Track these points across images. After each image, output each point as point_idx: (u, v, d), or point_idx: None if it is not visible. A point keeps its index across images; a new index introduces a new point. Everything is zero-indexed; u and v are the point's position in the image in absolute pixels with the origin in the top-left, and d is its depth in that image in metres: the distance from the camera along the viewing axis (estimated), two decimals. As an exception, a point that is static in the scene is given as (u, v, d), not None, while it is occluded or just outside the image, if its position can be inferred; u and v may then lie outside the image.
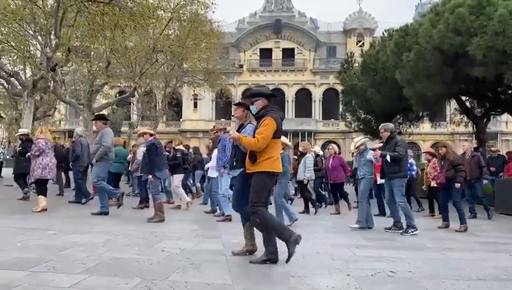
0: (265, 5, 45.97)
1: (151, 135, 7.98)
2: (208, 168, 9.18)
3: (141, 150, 9.74)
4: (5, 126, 39.16)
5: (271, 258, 4.38)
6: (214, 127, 8.48)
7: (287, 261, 4.23)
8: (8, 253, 4.43)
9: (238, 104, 4.97)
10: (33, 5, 15.48)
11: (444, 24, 12.38)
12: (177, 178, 10.01)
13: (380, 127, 7.64)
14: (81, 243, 5.07)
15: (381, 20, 41.82)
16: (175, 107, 39.59)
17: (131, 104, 33.76)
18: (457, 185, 7.79)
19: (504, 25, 11.11)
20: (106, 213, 7.86)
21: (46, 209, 7.86)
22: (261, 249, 4.57)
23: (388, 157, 6.99)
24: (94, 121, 8.54)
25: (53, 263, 4.03)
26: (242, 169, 4.60)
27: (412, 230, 6.88)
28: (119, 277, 3.67)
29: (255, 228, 4.69)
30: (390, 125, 7.82)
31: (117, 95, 30.87)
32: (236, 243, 5.46)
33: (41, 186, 8.12)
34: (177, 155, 10.26)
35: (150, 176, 7.52)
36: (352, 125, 21.86)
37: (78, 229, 6.24)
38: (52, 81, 17.75)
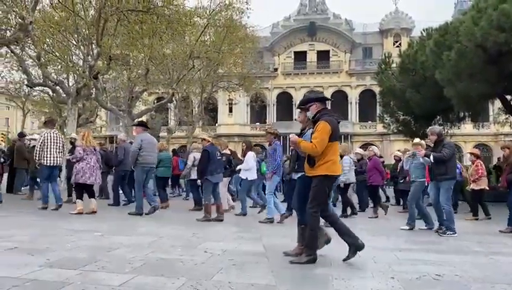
0: (299, 8, 45.91)
1: (208, 141, 8.39)
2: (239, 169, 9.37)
3: (192, 156, 10.08)
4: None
5: (311, 259, 4.46)
6: (268, 128, 8.62)
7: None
8: (60, 253, 4.63)
9: (300, 109, 5.03)
10: (76, 16, 16.11)
11: (486, 21, 11.97)
12: (225, 181, 10.21)
13: (427, 130, 7.75)
14: (127, 244, 5.24)
15: (418, 19, 40.92)
16: (211, 112, 40.14)
17: (169, 110, 34.51)
18: None
19: (552, 20, 10.66)
20: (140, 214, 8.27)
21: (82, 213, 8.15)
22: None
23: (431, 157, 6.99)
24: (134, 127, 8.81)
25: (102, 263, 4.18)
26: (303, 173, 4.73)
27: (451, 233, 6.92)
28: (165, 276, 3.77)
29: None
30: (438, 128, 7.92)
31: (155, 101, 31.58)
32: (276, 245, 5.50)
33: (78, 189, 8.53)
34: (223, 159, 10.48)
35: (199, 181, 8.00)
36: (391, 127, 21.45)
37: (123, 230, 6.45)
38: (94, 89, 18.39)
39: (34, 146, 10.24)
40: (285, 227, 7.50)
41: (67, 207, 9.04)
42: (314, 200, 4.50)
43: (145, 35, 16.97)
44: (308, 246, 4.52)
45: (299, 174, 4.82)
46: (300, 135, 4.85)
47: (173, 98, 24.49)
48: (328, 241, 4.71)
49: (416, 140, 8.18)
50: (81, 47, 18.05)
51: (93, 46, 16.54)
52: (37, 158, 8.70)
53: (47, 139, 8.69)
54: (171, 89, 22.49)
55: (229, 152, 11.25)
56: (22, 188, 12.93)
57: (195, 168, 10.04)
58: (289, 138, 4.61)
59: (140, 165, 8.44)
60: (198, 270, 4.06)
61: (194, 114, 31.45)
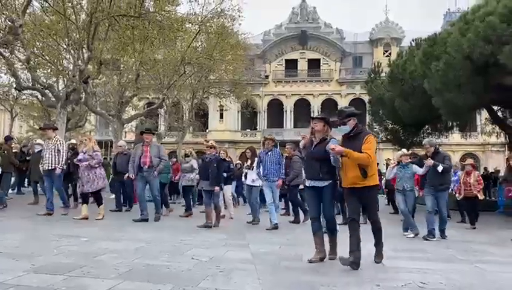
0: (291, 17, 46.20)
1: (215, 149, 8.52)
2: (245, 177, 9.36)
3: (193, 163, 10.26)
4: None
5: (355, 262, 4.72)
6: (268, 137, 8.67)
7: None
8: (46, 258, 4.60)
9: (319, 119, 5.16)
10: (67, 20, 16.04)
11: (474, 33, 12.15)
12: (229, 189, 10.23)
13: (424, 142, 8.20)
14: (114, 250, 5.21)
15: (408, 29, 41.39)
16: (201, 118, 40.07)
17: (159, 115, 34.37)
18: None
19: (537, 33, 10.85)
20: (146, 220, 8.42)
21: (87, 218, 8.19)
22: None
23: (440, 168, 7.44)
24: (146, 134, 8.84)
25: (88, 269, 4.16)
26: (331, 181, 4.94)
27: (446, 236, 7.68)
28: (151, 282, 3.76)
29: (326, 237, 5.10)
30: (434, 140, 8.59)
31: (145, 106, 31.49)
32: (264, 252, 5.52)
33: (87, 195, 8.52)
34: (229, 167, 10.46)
35: (218, 188, 8.09)
36: (380, 136, 21.61)
37: (111, 236, 6.41)
38: (84, 93, 18.29)
39: (39, 151, 10.21)
40: (274, 234, 7.51)
41: (59, 213, 8.96)
42: (374, 208, 5.17)
43: (137, 41, 16.94)
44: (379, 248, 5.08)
45: (326, 183, 4.95)
46: (318, 144, 4.99)
47: (163, 104, 24.46)
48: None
49: (403, 151, 8.47)
50: (72, 51, 17.94)
51: (84, 50, 16.46)
52: (54, 163, 8.73)
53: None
54: (162, 95, 22.46)
55: (229, 159, 11.28)
56: (9, 192, 12.77)
57: (190, 175, 10.08)
58: (329, 147, 4.73)
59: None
60: (185, 276, 4.05)
61: (185, 120, 31.40)
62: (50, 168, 8.79)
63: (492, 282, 4.41)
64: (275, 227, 8.02)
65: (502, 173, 18.74)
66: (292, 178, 9.01)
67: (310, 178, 5.08)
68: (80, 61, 16.74)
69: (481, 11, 12.48)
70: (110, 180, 12.42)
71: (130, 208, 10.74)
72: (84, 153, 8.46)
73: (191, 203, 10.63)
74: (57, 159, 8.78)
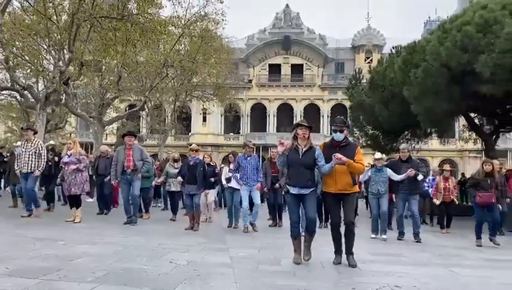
0: (274, 22, 46.46)
1: (198, 152, 8.60)
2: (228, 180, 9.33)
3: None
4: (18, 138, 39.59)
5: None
6: (248, 143, 8.78)
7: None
8: (21, 261, 4.54)
9: (307, 127, 5.21)
10: (48, 20, 15.84)
11: (451, 41, 12.45)
12: (213, 193, 10.19)
13: (404, 147, 8.68)
14: (91, 253, 5.17)
15: (389, 37, 42.04)
16: (184, 121, 39.90)
17: (141, 118, 34.11)
18: (500, 206, 8.41)
19: (511, 43, 11.16)
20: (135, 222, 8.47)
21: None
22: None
23: (420, 177, 8.00)
24: (128, 137, 8.77)
25: (64, 272, 4.12)
26: (314, 188, 5.16)
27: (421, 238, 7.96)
28: (128, 286, 3.76)
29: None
30: (409, 146, 8.83)
31: (127, 108, 31.24)
32: (243, 256, 5.54)
33: (75, 198, 8.48)
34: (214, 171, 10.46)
35: (207, 191, 8.53)
36: (360, 141, 21.86)
37: (89, 239, 6.35)
38: (64, 95, 18.06)
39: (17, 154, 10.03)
40: (254, 238, 7.55)
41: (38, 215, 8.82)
42: (353, 213, 5.43)
43: (119, 43, 16.80)
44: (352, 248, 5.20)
45: (311, 190, 5.13)
46: (306, 152, 5.09)
47: (145, 106, 24.30)
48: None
49: (378, 155, 8.61)
50: (52, 52, 17.72)
51: (65, 51, 16.27)
52: (33, 166, 8.61)
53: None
54: (144, 97, 22.33)
55: (213, 163, 11.26)
56: None
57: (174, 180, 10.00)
58: (335, 156, 4.92)
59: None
60: (162, 280, 4.05)
61: (167, 123, 31.23)
62: (29, 171, 8.64)
63: (465, 285, 4.53)
64: (255, 227, 8.09)
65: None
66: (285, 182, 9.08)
67: (299, 186, 5.09)
68: (60, 62, 16.54)
69: (458, 21, 12.81)
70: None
71: (108, 211, 10.59)
72: (70, 156, 8.38)
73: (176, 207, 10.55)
74: (37, 162, 8.66)
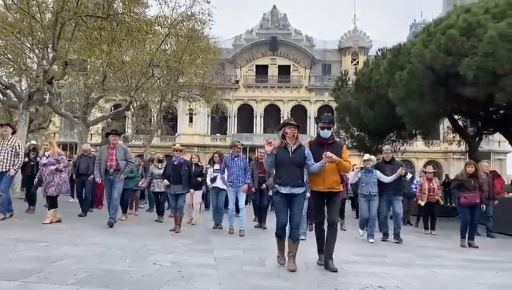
0: (261, 23, 46.53)
1: (181, 151, 8.55)
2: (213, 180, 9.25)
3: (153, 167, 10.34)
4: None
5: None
6: (236, 144, 8.55)
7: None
8: (1, 264, 4.45)
9: (295, 125, 5.15)
10: (31, 18, 15.60)
11: (435, 44, 12.61)
12: (199, 194, 10.08)
13: (387, 148, 8.81)
14: (73, 255, 5.10)
15: (376, 39, 42.48)
16: (170, 121, 39.70)
17: (126, 118, 33.84)
18: (484, 206, 8.39)
19: (494, 47, 11.32)
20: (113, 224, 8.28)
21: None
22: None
23: (409, 176, 8.32)
24: (113, 136, 8.64)
25: (45, 274, 4.06)
26: (304, 188, 5.11)
27: (402, 239, 8.07)
28: (110, 288, 3.72)
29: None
30: (392, 148, 9.36)
31: (112, 108, 30.97)
32: (227, 257, 5.53)
33: (55, 199, 8.35)
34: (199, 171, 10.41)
35: (193, 191, 8.60)
36: (346, 142, 22.01)
37: (72, 241, 6.27)
38: (48, 94, 17.81)
39: None
40: (240, 239, 7.54)
41: (19, 217, 8.67)
42: (338, 212, 5.52)
43: (104, 42, 16.62)
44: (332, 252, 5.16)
45: (303, 190, 5.07)
46: (296, 150, 5.03)
47: (131, 106, 24.11)
48: None
49: (367, 156, 8.61)
50: (36, 50, 17.45)
51: (49, 50, 16.05)
52: (8, 165, 8.39)
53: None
54: (129, 97, 22.14)
55: (200, 164, 11.19)
56: None
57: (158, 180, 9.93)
58: (325, 154, 4.93)
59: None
60: (145, 282, 4.02)
61: (153, 123, 31.01)
62: (4, 169, 8.44)
63: (445, 285, 4.59)
64: (241, 232, 8.07)
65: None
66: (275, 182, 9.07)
67: (290, 185, 4.97)
68: (44, 61, 16.30)
69: (443, 24, 12.99)
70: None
71: (84, 214, 10.16)
72: (48, 157, 8.25)
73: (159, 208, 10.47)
74: (12, 161, 8.46)
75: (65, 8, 14.23)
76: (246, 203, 14.85)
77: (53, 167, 8.14)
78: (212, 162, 9.91)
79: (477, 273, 5.46)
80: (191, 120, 43.29)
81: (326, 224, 5.25)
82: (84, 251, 5.43)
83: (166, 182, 8.40)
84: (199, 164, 9.95)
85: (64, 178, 8.36)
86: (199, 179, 9.33)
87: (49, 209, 8.30)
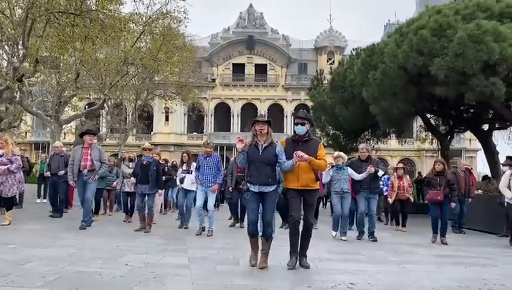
0: (238, 21, 46.45)
1: (151, 150, 8.40)
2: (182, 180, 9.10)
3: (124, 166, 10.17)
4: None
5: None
6: (208, 142, 8.38)
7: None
8: (-35, 267, 4.33)
9: (264, 122, 5.09)
10: (0, 14, 15.17)
11: (408, 44, 12.87)
12: (161, 193, 9.83)
13: (362, 147, 8.68)
14: (43, 257, 4.99)
15: (351, 39, 42.97)
16: (146, 120, 39.19)
17: (101, 117, 33.24)
18: (453, 204, 8.36)
19: (463, 47, 11.63)
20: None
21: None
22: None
23: (381, 173, 8.26)
24: (89, 136, 8.43)
25: (12, 277, 3.96)
26: (276, 186, 5.05)
27: (376, 237, 8.16)
28: (80, 290, 3.65)
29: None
30: (369, 146, 9.60)
31: (86, 107, 30.40)
32: (201, 257, 5.51)
33: (11, 201, 8.11)
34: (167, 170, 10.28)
35: (160, 191, 8.56)
36: (322, 141, 22.22)
37: (42, 243, 6.13)
38: (18, 92, 17.34)
39: None
40: (214, 239, 7.51)
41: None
42: (313, 210, 5.50)
43: (77, 39, 16.25)
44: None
45: (273, 188, 5.03)
46: (266, 148, 4.97)
47: (105, 104, 23.71)
48: None
49: (336, 153, 8.70)
50: (6, 47, 16.99)
51: (19, 47, 15.63)
52: None
53: None
54: (103, 95, 21.76)
55: (163, 162, 11.08)
56: None
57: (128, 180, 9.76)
58: (296, 153, 4.84)
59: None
60: (116, 283, 3.97)
61: (128, 122, 30.58)
62: None
63: (415, 281, 4.69)
64: (209, 233, 7.92)
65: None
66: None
67: (259, 183, 4.95)
68: (14, 58, 15.88)
69: (414, 25, 13.26)
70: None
71: (60, 215, 9.96)
72: (1, 156, 7.95)
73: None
74: None
75: (36, 4, 13.87)
76: (222, 202, 14.77)
77: (4, 167, 7.81)
78: (181, 162, 9.76)
79: (447, 268, 5.60)
80: (167, 119, 42.88)
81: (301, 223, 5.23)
82: (55, 253, 5.32)
83: (133, 179, 8.31)
84: (161, 162, 9.81)
85: (19, 178, 8.06)
86: (163, 177, 9.14)
87: (7, 211, 8.07)
